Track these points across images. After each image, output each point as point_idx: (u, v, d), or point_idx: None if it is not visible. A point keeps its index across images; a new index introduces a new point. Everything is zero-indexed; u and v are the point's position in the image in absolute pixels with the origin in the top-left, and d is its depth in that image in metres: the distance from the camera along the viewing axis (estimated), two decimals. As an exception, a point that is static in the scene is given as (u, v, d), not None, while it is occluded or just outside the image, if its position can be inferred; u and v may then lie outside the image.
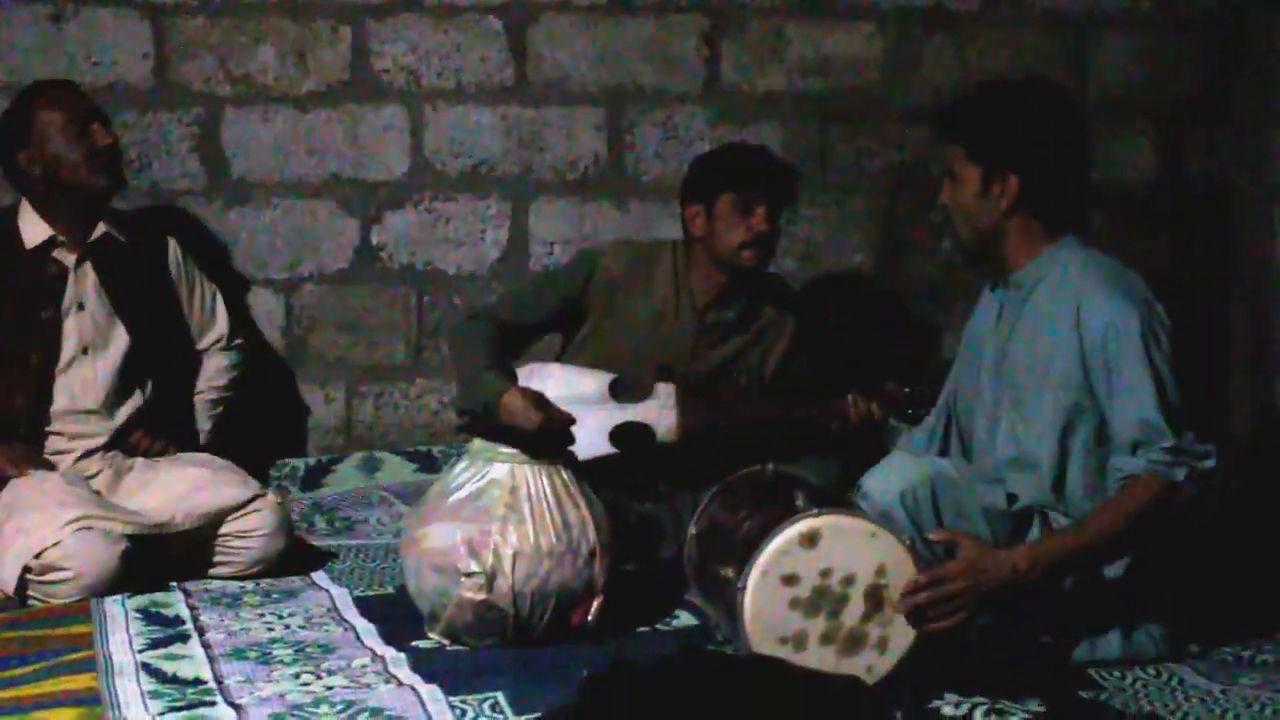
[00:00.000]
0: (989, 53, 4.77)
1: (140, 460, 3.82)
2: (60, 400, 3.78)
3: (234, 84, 4.48)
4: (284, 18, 4.48)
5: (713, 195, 3.83)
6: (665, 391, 3.74)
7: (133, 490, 3.73)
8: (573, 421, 3.37)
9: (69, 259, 3.80)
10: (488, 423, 3.42)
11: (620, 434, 3.69)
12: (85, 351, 3.80)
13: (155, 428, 3.89)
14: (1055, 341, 3.02)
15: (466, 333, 3.77)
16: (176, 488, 3.68)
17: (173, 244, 4.03)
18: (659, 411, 3.71)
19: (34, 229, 3.80)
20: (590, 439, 3.59)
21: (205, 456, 3.86)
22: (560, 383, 3.72)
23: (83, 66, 4.34)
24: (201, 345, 4.11)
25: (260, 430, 4.35)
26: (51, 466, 3.74)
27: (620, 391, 3.75)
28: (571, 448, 3.32)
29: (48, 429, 3.77)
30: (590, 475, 3.26)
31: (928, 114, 3.40)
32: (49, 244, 3.79)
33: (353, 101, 4.53)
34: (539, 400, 3.45)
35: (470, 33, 4.57)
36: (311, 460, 4.47)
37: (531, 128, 4.57)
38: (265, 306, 4.51)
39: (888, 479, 2.97)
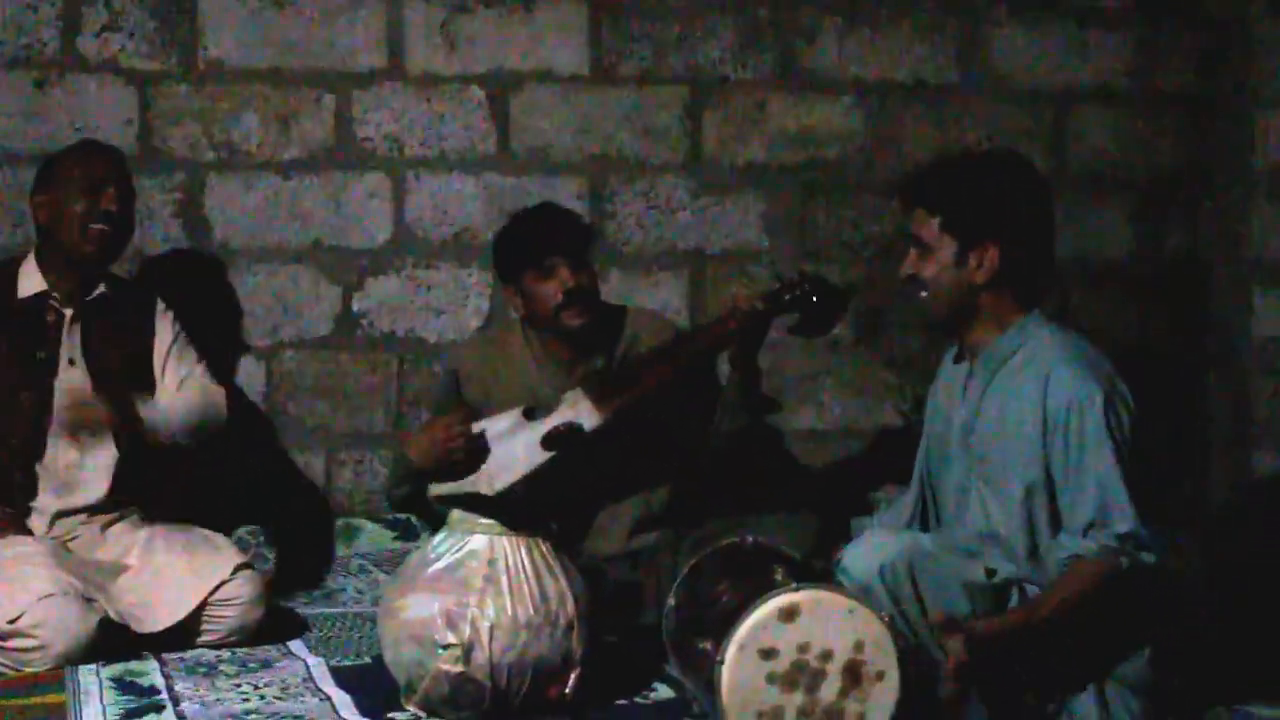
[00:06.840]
0: (969, 126, 4.81)
1: (119, 526, 3.79)
2: (48, 453, 3.74)
3: (217, 151, 4.49)
4: (268, 86, 4.50)
5: (517, 276, 3.86)
6: (573, 394, 3.78)
7: (112, 549, 3.71)
8: (472, 429, 3.74)
9: (66, 310, 3.79)
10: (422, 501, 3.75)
11: (551, 439, 3.73)
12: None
13: (132, 489, 3.85)
14: (1022, 416, 3.02)
15: None
16: (159, 578, 3.65)
17: (169, 319, 3.95)
18: (575, 408, 3.75)
19: (29, 280, 3.80)
20: (527, 454, 3.71)
21: (185, 532, 3.81)
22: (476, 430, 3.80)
23: (66, 133, 4.33)
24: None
25: (237, 496, 4.33)
26: (30, 532, 3.71)
27: (534, 413, 3.79)
28: (513, 465, 3.64)
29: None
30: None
31: (897, 185, 3.40)
32: (42, 295, 3.79)
33: (335, 169, 4.55)
34: (430, 421, 3.87)
35: (453, 102, 4.59)
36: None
37: (513, 196, 4.56)
38: (245, 372, 4.51)
39: (866, 554, 2.96)
